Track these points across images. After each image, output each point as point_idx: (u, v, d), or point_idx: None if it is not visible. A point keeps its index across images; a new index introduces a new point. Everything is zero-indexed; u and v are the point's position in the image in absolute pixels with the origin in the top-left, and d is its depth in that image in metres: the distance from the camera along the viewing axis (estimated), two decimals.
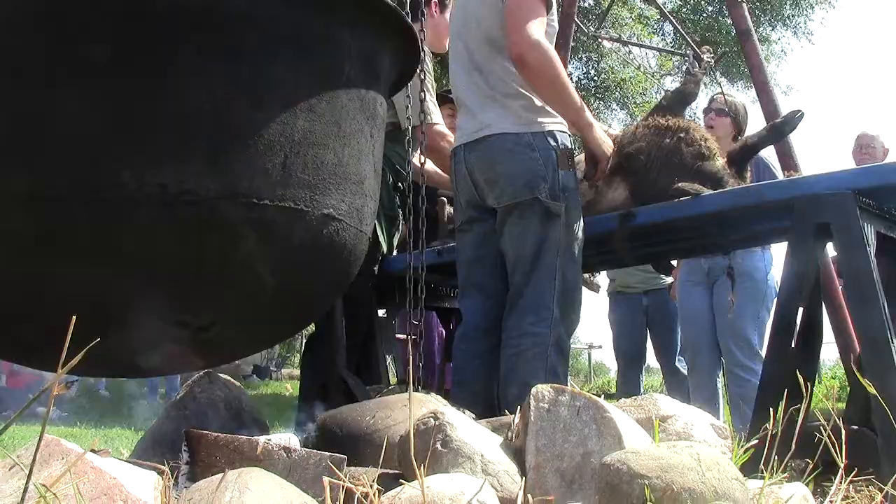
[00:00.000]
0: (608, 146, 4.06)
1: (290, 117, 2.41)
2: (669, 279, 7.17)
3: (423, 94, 4.14)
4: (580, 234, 3.93)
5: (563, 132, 3.95)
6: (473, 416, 2.90)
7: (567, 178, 3.87)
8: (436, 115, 4.80)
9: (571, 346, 4.11)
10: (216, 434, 2.30)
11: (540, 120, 3.90)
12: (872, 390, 2.74)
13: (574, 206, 3.89)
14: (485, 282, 4.10)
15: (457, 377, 4.15)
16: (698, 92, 4.93)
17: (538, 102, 3.91)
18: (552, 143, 3.87)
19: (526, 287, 3.84)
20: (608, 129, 4.62)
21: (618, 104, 21.94)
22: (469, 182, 3.98)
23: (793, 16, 22.02)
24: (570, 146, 3.94)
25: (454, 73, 4.19)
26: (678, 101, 4.70)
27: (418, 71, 3.39)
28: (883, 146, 7.72)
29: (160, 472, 1.98)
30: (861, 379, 2.79)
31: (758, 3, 20.61)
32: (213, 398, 3.07)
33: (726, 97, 6.27)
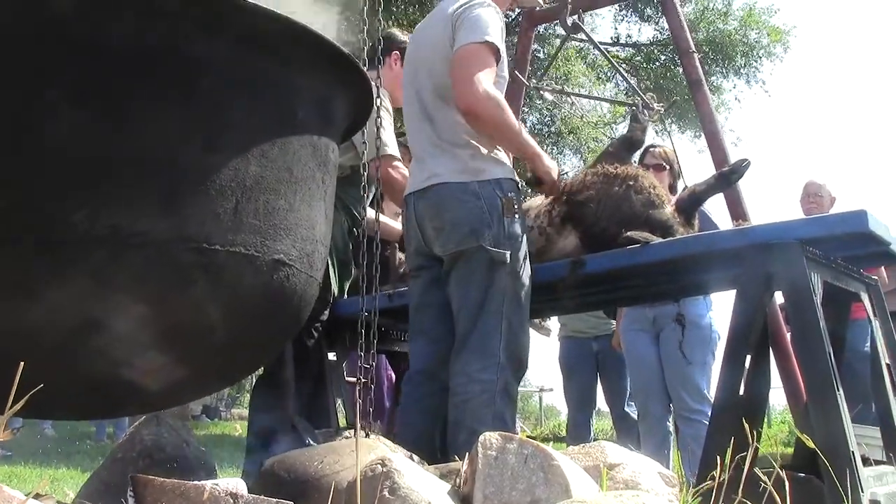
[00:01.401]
0: (556, 171, 4.23)
1: (243, 162, 2.41)
2: None
3: (380, 129, 4.21)
4: (527, 282, 3.98)
5: (510, 180, 4.02)
6: (422, 461, 2.90)
7: (513, 226, 3.92)
8: (391, 147, 4.82)
9: (522, 389, 4.17)
10: (162, 479, 2.28)
11: (487, 169, 3.97)
12: (811, 444, 2.77)
13: (520, 254, 3.94)
14: (430, 327, 4.14)
15: (402, 420, 4.16)
16: (645, 139, 4.99)
17: (485, 151, 3.99)
18: (498, 192, 3.92)
19: (472, 333, 3.88)
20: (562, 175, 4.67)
21: (571, 150, 22.12)
22: (417, 230, 4.02)
23: (744, 65, 22.36)
24: (516, 195, 4.01)
25: (406, 122, 4.25)
26: (625, 148, 4.75)
27: (373, 113, 3.39)
28: (830, 194, 7.82)
29: None
30: (801, 436, 2.82)
31: (709, 53, 20.89)
32: (160, 441, 3.05)
33: (657, 149, 6.32)
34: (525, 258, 3.99)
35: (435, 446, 3.84)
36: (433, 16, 4.28)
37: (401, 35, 5.26)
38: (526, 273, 3.98)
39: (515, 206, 3.96)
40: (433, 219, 3.97)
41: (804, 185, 7.95)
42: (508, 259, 3.87)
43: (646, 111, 5.06)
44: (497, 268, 3.86)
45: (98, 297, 2.32)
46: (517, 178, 4.13)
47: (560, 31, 20.06)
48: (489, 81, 3.88)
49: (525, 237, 4.02)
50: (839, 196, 7.87)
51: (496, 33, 3.95)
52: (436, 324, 4.13)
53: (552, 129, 21.86)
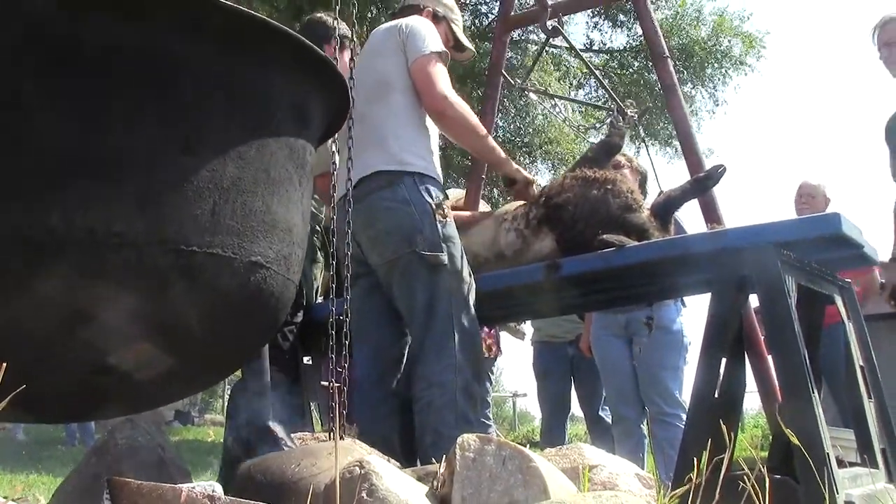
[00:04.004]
0: (525, 174, 4.49)
1: (220, 164, 2.40)
2: None
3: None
4: (469, 279, 4.09)
5: (436, 181, 4.18)
6: (399, 464, 2.90)
7: (446, 228, 4.04)
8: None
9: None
10: (139, 482, 2.27)
11: (413, 162, 4.13)
12: (795, 440, 2.78)
13: (458, 253, 4.06)
14: (371, 334, 4.25)
15: (359, 429, 4.19)
16: (623, 144, 5.01)
17: (411, 146, 4.17)
18: (427, 197, 4.05)
19: (426, 339, 3.97)
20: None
21: (547, 157, 22.09)
22: (352, 239, 4.04)
23: (713, 76, 22.41)
24: (444, 197, 4.18)
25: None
26: (603, 153, 4.77)
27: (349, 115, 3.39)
28: (825, 195, 7.64)
29: None
30: (784, 429, 2.83)
31: (680, 63, 20.93)
32: (134, 445, 3.03)
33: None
34: (464, 258, 4.09)
35: (396, 452, 3.86)
36: (377, 31, 4.54)
37: (331, 21, 5.22)
38: (467, 271, 4.09)
39: (445, 209, 4.09)
40: (366, 228, 4.07)
41: (799, 185, 7.82)
42: (446, 261, 3.97)
43: (621, 116, 5.09)
44: (437, 271, 3.97)
45: (75, 300, 2.31)
46: (440, 178, 4.26)
47: (533, 38, 20.26)
48: (449, 85, 4.17)
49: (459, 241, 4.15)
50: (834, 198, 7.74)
51: (441, 43, 4.30)
52: (377, 330, 4.25)
53: (523, 137, 21.88)
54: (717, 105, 23.17)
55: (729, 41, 22.32)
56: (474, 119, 4.27)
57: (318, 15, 5.35)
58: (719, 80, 22.70)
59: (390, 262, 4.05)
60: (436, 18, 4.59)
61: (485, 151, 4.45)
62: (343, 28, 5.02)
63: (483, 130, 4.34)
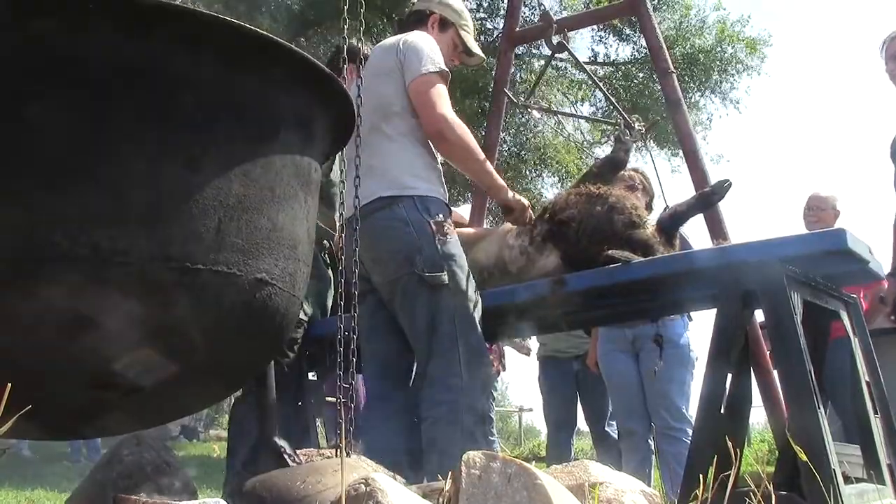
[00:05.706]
0: (522, 200, 4.40)
1: (225, 181, 2.40)
2: None
3: None
4: (475, 297, 4.06)
5: (438, 200, 4.13)
6: (404, 481, 2.89)
7: (446, 246, 4.01)
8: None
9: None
10: (145, 500, 2.27)
11: (416, 185, 4.08)
12: (804, 456, 2.77)
13: (461, 271, 4.03)
14: (379, 350, 4.25)
15: (366, 446, 4.18)
16: (628, 159, 5.01)
17: (413, 171, 4.12)
18: (426, 216, 4.02)
19: (430, 359, 3.96)
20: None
21: (551, 172, 22.07)
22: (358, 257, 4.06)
23: (720, 81, 22.37)
24: (445, 215, 4.12)
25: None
26: (609, 168, 4.76)
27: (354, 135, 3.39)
28: (834, 208, 7.44)
29: None
30: (793, 444, 2.82)
31: (686, 69, 20.90)
32: (140, 460, 3.02)
33: (626, 172, 6.29)
34: (468, 274, 4.06)
35: (402, 468, 3.85)
36: (377, 48, 4.46)
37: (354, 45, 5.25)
38: (472, 288, 4.06)
39: (446, 227, 4.05)
40: (369, 249, 4.02)
41: (808, 197, 7.64)
42: (447, 280, 3.94)
43: (628, 131, 5.09)
44: (438, 290, 3.95)
45: (79, 317, 2.31)
46: (444, 198, 4.22)
47: (536, 52, 20.27)
48: (449, 106, 4.10)
49: (463, 254, 4.11)
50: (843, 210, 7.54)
51: (441, 59, 4.21)
52: (384, 347, 4.24)
53: (528, 151, 21.86)
54: (736, 105, 23.11)
55: (734, 48, 22.29)
56: (473, 143, 4.20)
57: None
58: (728, 84, 22.69)
59: (391, 282, 4.05)
60: (443, 25, 4.56)
61: (482, 176, 4.34)
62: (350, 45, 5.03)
63: (482, 155, 4.26)
